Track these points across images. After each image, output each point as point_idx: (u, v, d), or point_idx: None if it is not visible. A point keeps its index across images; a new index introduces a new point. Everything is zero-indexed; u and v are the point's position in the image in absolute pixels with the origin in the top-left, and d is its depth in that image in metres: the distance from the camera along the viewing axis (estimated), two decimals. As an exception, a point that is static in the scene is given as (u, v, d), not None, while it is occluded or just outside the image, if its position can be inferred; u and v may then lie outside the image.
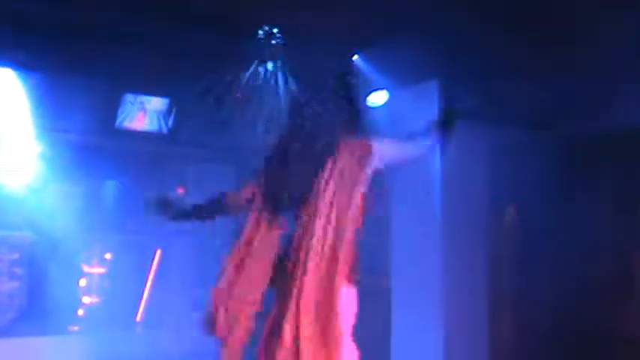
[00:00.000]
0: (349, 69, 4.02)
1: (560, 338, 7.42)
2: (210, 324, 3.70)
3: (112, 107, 7.32)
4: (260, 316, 3.57)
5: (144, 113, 7.42)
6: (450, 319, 6.29)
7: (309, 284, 3.19)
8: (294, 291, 3.22)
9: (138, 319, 7.79)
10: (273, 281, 3.51)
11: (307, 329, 3.16)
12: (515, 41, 6.04)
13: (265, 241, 3.51)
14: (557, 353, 7.36)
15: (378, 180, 3.50)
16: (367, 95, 6.34)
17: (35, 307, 7.21)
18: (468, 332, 6.45)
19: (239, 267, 3.54)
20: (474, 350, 6.55)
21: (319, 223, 3.25)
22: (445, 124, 3.71)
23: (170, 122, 7.58)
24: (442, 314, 6.27)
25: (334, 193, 3.29)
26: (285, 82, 6.80)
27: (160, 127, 7.56)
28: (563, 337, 7.42)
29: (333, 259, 3.22)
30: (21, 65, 6.42)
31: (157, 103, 7.50)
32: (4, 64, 6.42)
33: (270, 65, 6.71)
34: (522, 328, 8.09)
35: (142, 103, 7.40)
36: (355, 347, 3.37)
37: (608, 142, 7.08)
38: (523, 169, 7.31)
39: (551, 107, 6.56)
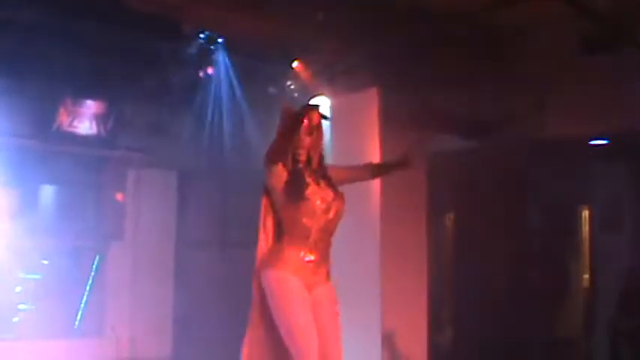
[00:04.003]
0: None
1: (497, 340, 7.58)
2: None
3: (50, 110, 7.21)
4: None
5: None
6: (388, 323, 6.35)
7: None
8: None
9: (76, 325, 7.67)
10: None
11: None
12: (454, 51, 6.17)
13: None
14: (494, 354, 7.51)
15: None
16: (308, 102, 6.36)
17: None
18: (406, 335, 6.51)
19: None
20: (413, 354, 6.62)
21: None
22: None
23: (109, 126, 7.49)
24: (381, 318, 6.32)
25: None
26: (225, 86, 6.80)
27: (99, 131, 7.47)
28: (500, 339, 7.58)
29: None
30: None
31: (95, 107, 7.41)
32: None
33: (209, 69, 6.70)
34: (461, 331, 8.23)
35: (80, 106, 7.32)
36: None
37: (543, 150, 7.26)
38: (461, 175, 7.44)
39: (488, 116, 6.69)
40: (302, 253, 3.82)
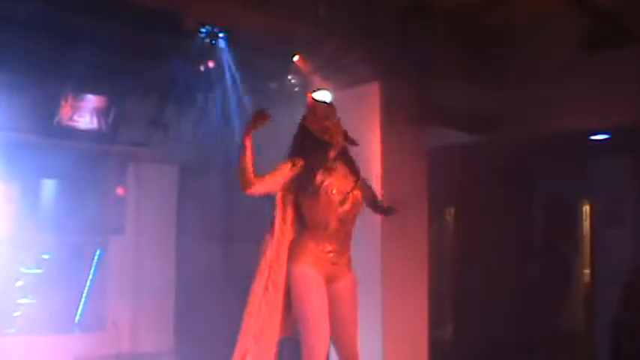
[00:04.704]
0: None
1: (498, 335, 7.58)
2: None
3: (50, 104, 7.21)
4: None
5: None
6: (389, 320, 6.35)
7: None
8: None
9: (77, 320, 7.68)
10: None
11: None
12: (455, 47, 6.17)
13: None
14: (495, 349, 7.52)
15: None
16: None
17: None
18: (407, 332, 6.50)
19: None
20: (414, 349, 6.62)
21: None
22: None
23: (110, 120, 7.49)
24: (381, 315, 6.32)
25: None
26: (226, 81, 6.79)
27: (100, 125, 7.46)
28: (500, 335, 7.59)
29: None
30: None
31: (96, 101, 7.41)
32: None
33: (211, 64, 6.69)
34: (462, 327, 8.24)
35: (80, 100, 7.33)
36: None
37: (544, 145, 7.26)
38: (461, 171, 7.44)
39: (488, 111, 6.69)
40: (321, 246, 3.88)
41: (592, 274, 8.29)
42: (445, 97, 6.51)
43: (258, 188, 3.83)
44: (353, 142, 4.07)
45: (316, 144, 3.94)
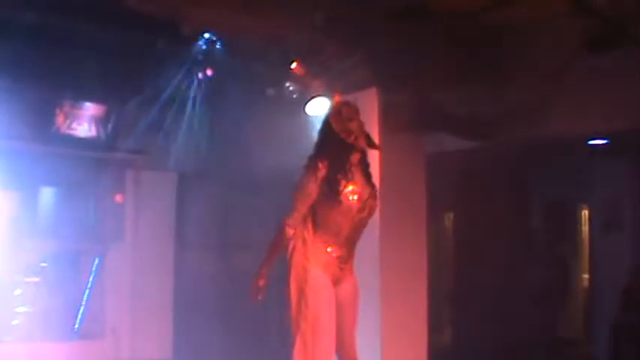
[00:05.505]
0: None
1: (496, 340, 7.58)
2: None
3: (48, 113, 7.21)
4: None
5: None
6: (388, 323, 6.34)
7: None
8: None
9: (76, 328, 7.66)
10: None
11: None
12: (454, 51, 6.17)
13: None
14: (494, 354, 7.51)
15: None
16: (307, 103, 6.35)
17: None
18: (406, 335, 6.50)
19: None
20: (413, 352, 6.61)
21: None
22: None
23: (109, 128, 7.50)
24: (380, 318, 6.31)
25: None
26: (225, 87, 6.81)
27: (98, 133, 7.47)
28: (499, 339, 7.58)
29: None
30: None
31: (94, 109, 7.41)
32: None
33: (209, 71, 6.71)
34: (461, 331, 8.23)
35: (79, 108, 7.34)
36: None
37: (543, 148, 7.27)
38: (460, 175, 7.43)
39: (488, 116, 6.69)
40: (330, 249, 3.87)
41: (591, 278, 8.29)
42: (444, 102, 6.51)
43: (299, 223, 3.90)
44: (374, 146, 4.06)
45: (340, 146, 3.89)
